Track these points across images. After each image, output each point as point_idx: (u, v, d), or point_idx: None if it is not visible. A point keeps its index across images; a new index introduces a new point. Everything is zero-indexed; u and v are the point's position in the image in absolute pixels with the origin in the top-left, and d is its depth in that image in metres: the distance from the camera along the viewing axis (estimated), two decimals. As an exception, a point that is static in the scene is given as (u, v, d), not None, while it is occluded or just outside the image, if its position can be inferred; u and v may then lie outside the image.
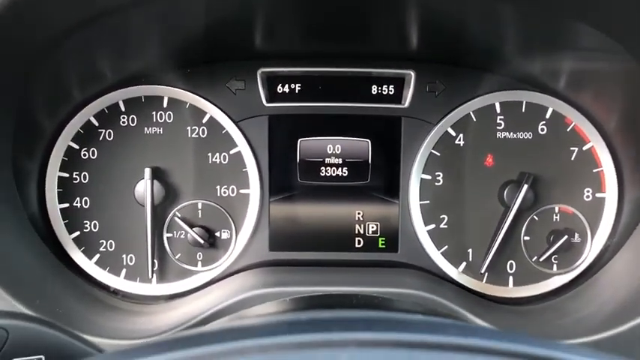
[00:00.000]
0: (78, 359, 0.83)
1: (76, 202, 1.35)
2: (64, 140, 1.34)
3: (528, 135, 1.37)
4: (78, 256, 1.34)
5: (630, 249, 1.30)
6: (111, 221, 1.35)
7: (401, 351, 0.42)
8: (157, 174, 1.33)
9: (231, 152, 1.36)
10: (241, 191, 1.37)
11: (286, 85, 1.37)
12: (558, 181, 1.37)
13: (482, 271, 1.35)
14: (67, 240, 1.34)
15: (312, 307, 0.85)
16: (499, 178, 1.37)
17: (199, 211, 1.36)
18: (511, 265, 1.38)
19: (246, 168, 1.37)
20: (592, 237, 1.36)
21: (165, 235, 1.35)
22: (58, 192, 1.34)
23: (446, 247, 1.37)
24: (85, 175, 1.35)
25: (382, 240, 1.39)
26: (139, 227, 1.33)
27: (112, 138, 1.35)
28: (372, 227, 1.39)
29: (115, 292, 1.35)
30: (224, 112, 1.35)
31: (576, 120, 1.36)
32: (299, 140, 1.38)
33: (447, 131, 1.37)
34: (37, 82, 1.14)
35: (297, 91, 1.37)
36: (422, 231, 1.37)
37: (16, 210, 1.22)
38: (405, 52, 1.33)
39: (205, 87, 1.35)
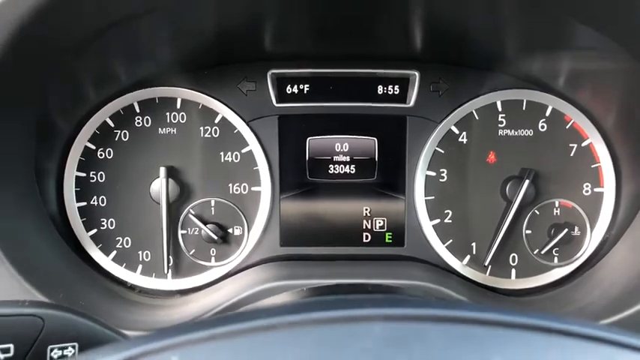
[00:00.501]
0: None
1: (93, 201, 1.39)
2: (81, 141, 1.38)
3: (529, 132, 1.41)
4: (96, 253, 1.39)
5: (628, 240, 1.35)
6: (127, 219, 1.39)
7: (431, 324, 0.47)
8: (172, 173, 1.38)
9: (243, 151, 1.41)
10: (253, 189, 1.42)
11: (295, 86, 1.41)
12: (558, 177, 1.41)
13: (486, 264, 1.40)
14: (85, 237, 1.39)
15: (329, 294, 0.90)
16: (501, 174, 1.41)
17: (212, 209, 1.41)
18: (513, 257, 1.42)
19: (257, 166, 1.41)
20: (591, 230, 1.41)
21: (180, 232, 1.40)
22: (76, 191, 1.38)
23: (450, 240, 1.42)
24: (101, 175, 1.39)
25: (389, 235, 1.44)
26: (155, 224, 1.37)
27: (127, 138, 1.39)
28: (379, 222, 1.44)
29: (132, 288, 1.40)
30: (235, 113, 1.40)
31: (575, 117, 1.41)
32: (308, 139, 1.42)
33: (450, 129, 1.41)
34: (55, 84, 1.19)
35: (305, 92, 1.42)
36: (427, 226, 1.42)
37: (38, 209, 1.27)
38: (409, 53, 1.38)
39: (217, 88, 1.40)
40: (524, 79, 1.41)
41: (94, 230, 1.39)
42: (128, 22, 1.08)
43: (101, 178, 1.39)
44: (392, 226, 1.43)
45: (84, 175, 1.39)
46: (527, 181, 1.37)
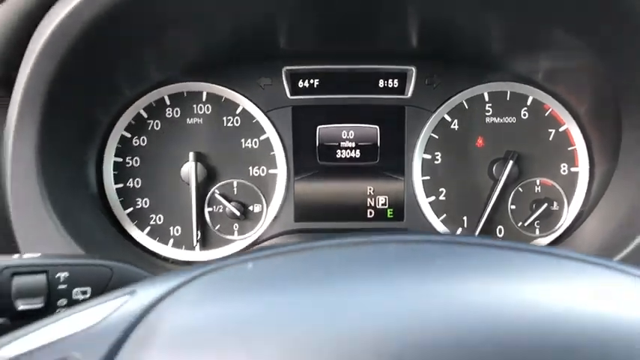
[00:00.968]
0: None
1: (129, 183, 1.57)
2: (118, 130, 1.55)
3: (512, 119, 1.59)
4: (132, 229, 1.56)
5: (599, 214, 1.53)
6: (160, 198, 1.57)
7: (431, 244, 0.65)
8: (199, 157, 1.55)
9: (261, 138, 1.59)
10: (270, 171, 1.60)
11: (307, 81, 1.59)
12: (539, 158, 1.58)
13: (476, 235, 1.58)
14: (122, 215, 1.56)
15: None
16: (488, 156, 1.59)
17: (235, 189, 1.59)
18: (500, 229, 1.60)
19: (273, 151, 1.59)
20: (568, 205, 1.58)
21: (207, 210, 1.58)
22: (114, 174, 1.56)
23: (444, 215, 1.60)
24: (136, 160, 1.57)
25: (390, 211, 1.62)
26: (185, 203, 1.55)
27: (159, 127, 1.57)
28: (382, 200, 1.62)
29: (165, 259, 1.58)
30: (254, 104, 1.57)
31: (553, 106, 1.59)
32: (318, 127, 1.60)
33: (443, 117, 1.59)
34: (103, 82, 1.38)
35: (315, 86, 1.60)
36: (424, 202, 1.60)
37: (84, 189, 1.45)
38: (407, 51, 1.56)
39: (238, 83, 1.57)
40: (508, 73, 1.59)
41: (131, 208, 1.57)
42: (165, 29, 1.28)
43: (136, 163, 1.57)
44: (393, 203, 1.62)
45: (121, 160, 1.56)
46: (511, 162, 1.54)
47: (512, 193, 1.58)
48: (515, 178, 1.57)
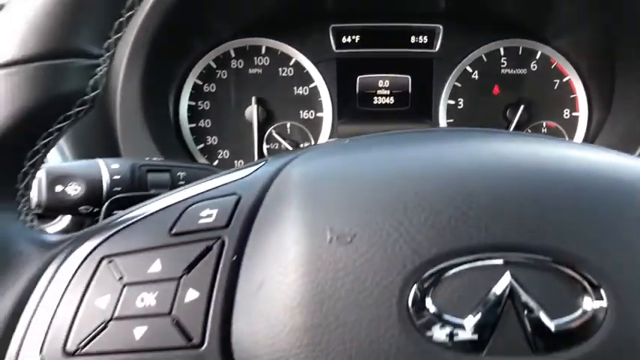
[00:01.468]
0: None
1: (201, 123, 1.81)
2: (192, 78, 1.79)
3: (524, 71, 1.80)
4: (203, 162, 1.86)
5: (595, 150, 1.82)
6: (226, 136, 1.81)
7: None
8: (260, 102, 1.80)
9: (310, 86, 1.83)
10: (318, 115, 1.83)
11: (349, 37, 1.82)
12: (545, 104, 1.79)
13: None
14: (195, 150, 1.81)
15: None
16: (503, 102, 1.79)
17: (288, 129, 1.84)
18: (511, 164, 1.89)
19: (320, 98, 1.82)
20: (569, 143, 1.87)
21: (265, 146, 1.84)
22: (188, 116, 1.81)
23: (465, 152, 1.88)
24: (207, 104, 1.81)
25: (419, 149, 1.90)
26: (247, 140, 1.79)
27: (225, 76, 1.81)
28: (412, 140, 1.90)
29: (231, 187, 1.87)
30: (305, 57, 1.81)
31: (558, 60, 1.80)
32: (358, 77, 1.82)
33: (465, 69, 1.81)
34: (184, 39, 1.67)
35: (357, 41, 1.82)
36: (448, 141, 1.88)
37: (168, 129, 1.75)
38: (435, 11, 1.79)
39: (292, 39, 1.80)
40: (520, 31, 1.82)
41: (202, 145, 1.82)
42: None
43: (207, 106, 1.82)
44: (422, 143, 1.89)
45: (194, 103, 1.82)
46: (522, 107, 1.77)
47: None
48: (526, 121, 1.78)
